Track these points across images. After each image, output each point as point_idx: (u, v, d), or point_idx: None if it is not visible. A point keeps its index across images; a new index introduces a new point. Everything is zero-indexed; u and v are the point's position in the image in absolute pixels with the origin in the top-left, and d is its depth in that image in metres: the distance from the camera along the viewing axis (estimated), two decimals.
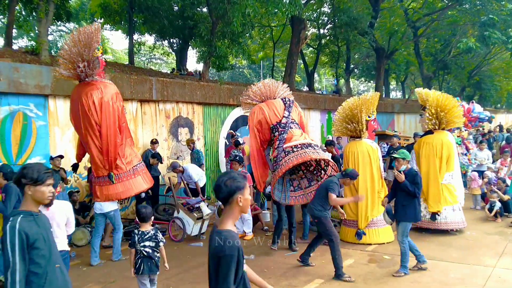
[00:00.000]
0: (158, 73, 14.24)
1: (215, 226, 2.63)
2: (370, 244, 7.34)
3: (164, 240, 4.85)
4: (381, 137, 13.28)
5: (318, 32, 23.01)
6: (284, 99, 7.40)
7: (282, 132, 6.95)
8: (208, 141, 11.65)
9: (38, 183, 2.73)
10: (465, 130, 13.06)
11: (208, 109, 11.64)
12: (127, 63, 15.82)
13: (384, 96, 28.82)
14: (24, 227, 2.67)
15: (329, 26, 22.36)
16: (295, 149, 6.73)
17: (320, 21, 22.17)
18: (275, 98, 7.50)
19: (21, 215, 2.71)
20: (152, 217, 4.79)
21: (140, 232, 4.66)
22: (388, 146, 12.32)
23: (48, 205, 3.89)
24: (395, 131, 16.30)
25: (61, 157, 7.67)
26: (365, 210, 7.38)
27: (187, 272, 6.23)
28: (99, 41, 6.27)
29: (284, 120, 7.03)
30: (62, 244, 4.28)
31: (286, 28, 21.70)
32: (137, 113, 9.62)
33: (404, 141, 14.62)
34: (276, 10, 12.82)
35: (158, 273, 4.77)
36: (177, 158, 10.46)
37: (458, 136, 12.27)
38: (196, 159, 10.09)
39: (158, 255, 4.69)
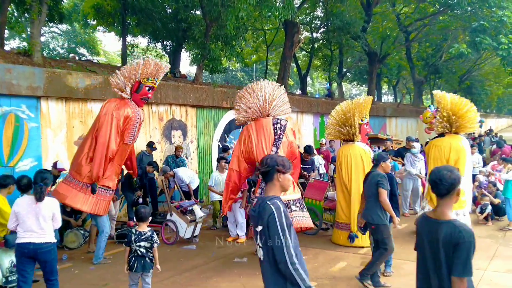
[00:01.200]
0: None
1: (425, 216, 2.93)
2: (362, 247, 7.37)
3: (158, 242, 4.91)
4: (373, 140, 13.35)
5: (311, 35, 23.15)
6: (275, 126, 6.76)
7: None
8: (202, 144, 11.64)
9: (288, 171, 2.99)
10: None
11: (202, 111, 11.64)
12: (120, 65, 15.77)
13: (376, 100, 29.00)
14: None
15: (322, 30, 22.50)
16: (292, 208, 6.48)
17: (313, 25, 22.30)
18: (268, 115, 6.95)
19: (278, 199, 2.93)
20: (150, 218, 4.93)
21: (137, 232, 4.78)
22: (381, 150, 12.39)
23: (39, 199, 4.52)
24: (387, 135, 16.40)
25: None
26: (357, 213, 7.40)
27: (179, 275, 6.22)
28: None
29: None
30: (48, 236, 4.65)
31: (279, 31, 21.79)
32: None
33: (396, 144, 14.72)
34: (269, 14, 12.87)
35: (151, 271, 4.87)
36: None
37: None
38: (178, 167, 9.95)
39: (151, 255, 4.82)
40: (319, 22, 22.47)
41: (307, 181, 9.05)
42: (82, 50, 30.74)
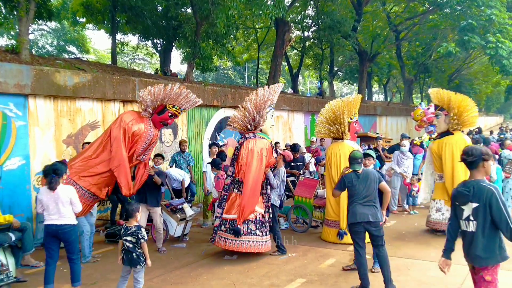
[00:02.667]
0: (141, 73, 14.16)
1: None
2: (351, 244, 7.38)
3: (146, 238, 4.94)
4: (363, 139, 13.44)
5: (302, 34, 23.20)
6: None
7: None
8: (192, 143, 11.62)
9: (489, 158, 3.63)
10: None
11: (192, 110, 11.60)
12: (110, 63, 15.68)
13: (366, 98, 29.16)
14: None
15: (313, 28, 22.57)
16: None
17: (304, 24, 22.36)
18: (256, 127, 7.09)
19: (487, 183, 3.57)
20: (137, 214, 5.01)
21: (125, 227, 4.96)
22: (369, 147, 12.47)
23: (52, 188, 5.08)
24: (377, 133, 16.50)
25: None
26: (346, 210, 7.44)
27: (170, 273, 6.22)
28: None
29: None
30: (68, 219, 5.26)
31: (270, 30, 21.81)
32: (120, 113, 9.53)
33: (386, 143, 14.81)
34: (260, 12, 12.88)
35: (139, 267, 4.92)
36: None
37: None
38: (187, 161, 9.86)
39: (140, 251, 4.89)
40: (310, 21, 22.54)
41: (297, 179, 9.08)
42: (72, 48, 30.47)
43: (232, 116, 7.32)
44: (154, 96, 6.69)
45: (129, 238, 4.86)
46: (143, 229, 4.99)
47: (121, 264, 5.04)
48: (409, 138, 11.12)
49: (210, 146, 9.52)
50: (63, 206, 5.21)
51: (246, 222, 6.69)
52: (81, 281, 5.46)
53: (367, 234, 5.47)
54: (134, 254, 4.87)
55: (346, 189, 5.52)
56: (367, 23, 24.65)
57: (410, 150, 10.75)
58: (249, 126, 7.04)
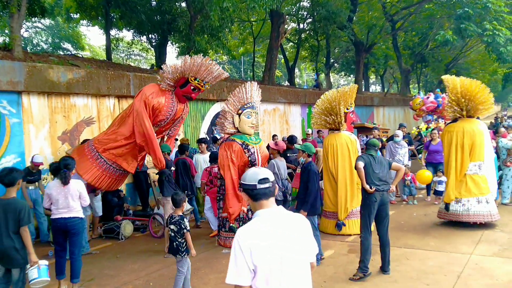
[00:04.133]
0: (137, 68, 14.08)
1: None
2: (350, 235, 7.41)
3: (188, 228, 5.01)
4: (361, 129, 13.40)
5: (298, 26, 23.06)
6: None
7: None
8: (189, 137, 11.55)
9: None
10: (441, 120, 13.30)
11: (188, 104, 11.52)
12: (105, 59, 15.57)
13: (364, 89, 29.11)
14: None
15: (308, 20, 22.43)
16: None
17: (299, 16, 22.21)
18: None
19: None
20: (184, 204, 5.17)
21: (170, 215, 5.13)
22: (368, 138, 12.44)
23: (65, 183, 5.28)
24: (374, 124, 16.47)
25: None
26: (344, 201, 7.44)
27: (167, 268, 6.19)
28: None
29: None
30: (76, 212, 5.42)
31: (266, 23, 21.68)
32: (115, 109, 9.48)
33: (383, 133, 14.78)
34: (254, 5, 12.77)
35: (179, 257, 4.99)
36: None
37: (435, 126, 12.50)
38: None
39: (180, 240, 4.96)
40: (305, 12, 22.40)
41: (294, 171, 9.04)
42: (67, 45, 30.29)
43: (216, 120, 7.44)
44: (174, 68, 6.63)
45: (172, 226, 4.98)
46: (186, 220, 5.08)
47: (167, 252, 5.21)
48: (405, 127, 11.07)
49: (198, 142, 9.36)
50: (73, 200, 5.39)
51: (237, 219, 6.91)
52: (80, 277, 5.47)
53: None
54: (174, 244, 4.95)
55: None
56: (362, 13, 24.51)
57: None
58: (228, 129, 7.17)
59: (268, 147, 8.03)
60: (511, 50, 17.97)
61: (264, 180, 2.33)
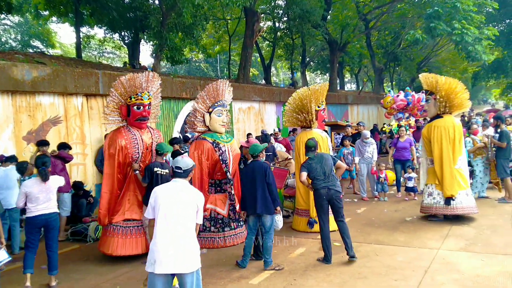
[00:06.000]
0: (108, 66, 13.79)
1: None
2: None
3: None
4: (334, 127, 13.51)
5: (273, 25, 23.09)
6: None
7: None
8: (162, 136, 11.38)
9: None
10: (412, 117, 13.52)
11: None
12: (75, 57, 15.21)
13: (339, 88, 29.36)
14: None
15: (284, 19, 22.49)
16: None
17: (275, 14, 22.24)
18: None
19: None
20: None
21: None
22: (342, 135, 12.57)
23: (45, 180, 5.34)
24: (347, 122, 16.63)
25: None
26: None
27: (135, 270, 6.05)
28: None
29: None
30: (54, 207, 5.56)
31: (241, 21, 21.61)
32: (83, 108, 9.25)
33: (356, 131, 14.94)
34: (227, 2, 12.70)
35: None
36: None
37: (405, 124, 12.70)
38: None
39: None
40: (281, 11, 22.44)
41: None
42: (37, 43, 29.48)
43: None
44: (115, 103, 6.40)
45: None
46: None
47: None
48: (365, 126, 11.25)
49: (170, 143, 9.05)
50: (53, 195, 5.52)
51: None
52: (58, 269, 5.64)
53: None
54: None
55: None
56: (336, 12, 24.74)
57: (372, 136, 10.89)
58: (198, 128, 7.09)
59: (241, 147, 7.96)
60: (479, 49, 18.43)
61: (179, 168, 3.99)
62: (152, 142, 6.68)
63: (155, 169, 6.37)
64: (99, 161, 9.27)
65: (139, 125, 6.53)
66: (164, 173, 6.42)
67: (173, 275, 3.76)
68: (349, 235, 5.97)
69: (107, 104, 6.50)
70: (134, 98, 6.35)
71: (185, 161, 4.01)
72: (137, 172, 6.45)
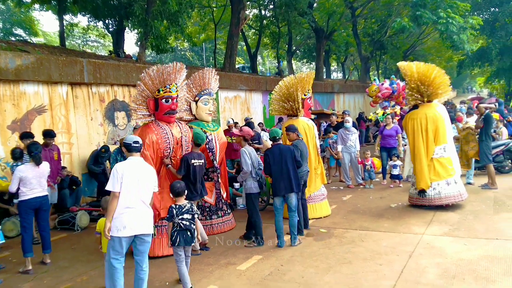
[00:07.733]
0: (92, 55, 13.61)
1: None
2: (309, 220, 7.51)
3: (198, 212, 5.01)
4: (320, 115, 13.58)
5: (259, 13, 22.95)
6: None
7: None
8: None
9: None
10: (397, 106, 13.67)
11: None
12: (58, 45, 14.96)
13: (325, 77, 29.45)
14: None
15: (270, 7, 22.37)
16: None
17: (261, 2, 22.10)
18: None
19: None
20: (186, 191, 4.98)
21: (177, 206, 4.86)
22: (327, 124, 12.67)
23: (38, 164, 5.72)
24: (333, 110, 16.72)
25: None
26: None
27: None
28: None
29: None
30: (45, 190, 5.94)
31: (227, 9, 21.44)
32: (68, 96, 9.15)
33: (341, 119, 15.05)
34: None
35: (193, 244, 4.95)
36: (114, 143, 10.10)
37: (391, 112, 12.83)
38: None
39: (194, 226, 4.87)
40: None
41: None
42: (19, 31, 28.87)
43: None
44: (141, 98, 6.14)
45: (185, 215, 4.81)
46: (193, 205, 5.07)
47: (170, 247, 4.91)
48: (349, 114, 11.31)
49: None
50: (44, 179, 5.87)
51: None
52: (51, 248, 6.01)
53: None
54: (188, 232, 4.79)
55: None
56: (323, 0, 24.69)
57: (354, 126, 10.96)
58: (185, 116, 7.04)
59: (232, 135, 7.94)
60: (463, 38, 18.62)
61: (136, 142, 4.51)
62: (181, 137, 6.37)
63: (193, 160, 6.08)
64: (90, 165, 9.14)
65: (168, 119, 6.23)
66: (201, 163, 6.21)
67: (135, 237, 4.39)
68: (302, 216, 6.69)
69: (135, 98, 6.21)
70: (163, 90, 6.06)
71: (134, 136, 4.63)
72: (170, 166, 6.20)
